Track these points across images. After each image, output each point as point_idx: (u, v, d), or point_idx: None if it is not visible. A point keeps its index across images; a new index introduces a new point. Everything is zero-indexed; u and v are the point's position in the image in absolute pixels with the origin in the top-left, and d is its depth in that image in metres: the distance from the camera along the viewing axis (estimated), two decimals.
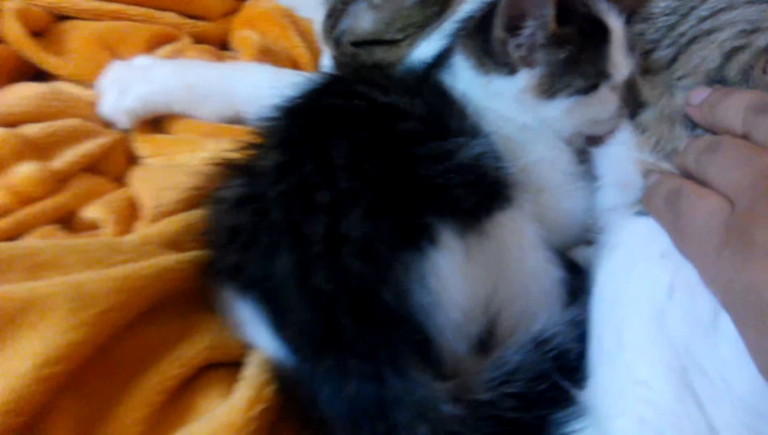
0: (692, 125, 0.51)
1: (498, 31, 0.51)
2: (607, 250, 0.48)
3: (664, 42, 0.58)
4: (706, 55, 0.53)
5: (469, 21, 0.58)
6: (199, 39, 0.83)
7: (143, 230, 0.57)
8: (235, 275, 0.46)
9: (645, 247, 0.46)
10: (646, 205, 0.48)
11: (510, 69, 0.52)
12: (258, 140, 0.51)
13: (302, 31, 0.84)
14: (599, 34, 0.53)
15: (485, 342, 0.46)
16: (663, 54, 0.56)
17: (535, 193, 0.52)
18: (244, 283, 0.45)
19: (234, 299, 0.47)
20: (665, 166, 0.51)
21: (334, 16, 0.73)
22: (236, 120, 0.71)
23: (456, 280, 0.43)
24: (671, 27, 0.59)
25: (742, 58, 0.51)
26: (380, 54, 0.71)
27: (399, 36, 0.69)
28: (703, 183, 0.44)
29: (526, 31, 0.51)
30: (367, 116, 0.48)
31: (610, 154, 0.56)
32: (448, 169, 0.47)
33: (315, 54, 0.81)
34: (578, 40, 0.51)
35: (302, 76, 0.56)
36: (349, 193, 0.43)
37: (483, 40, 0.52)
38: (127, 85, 0.70)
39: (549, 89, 0.52)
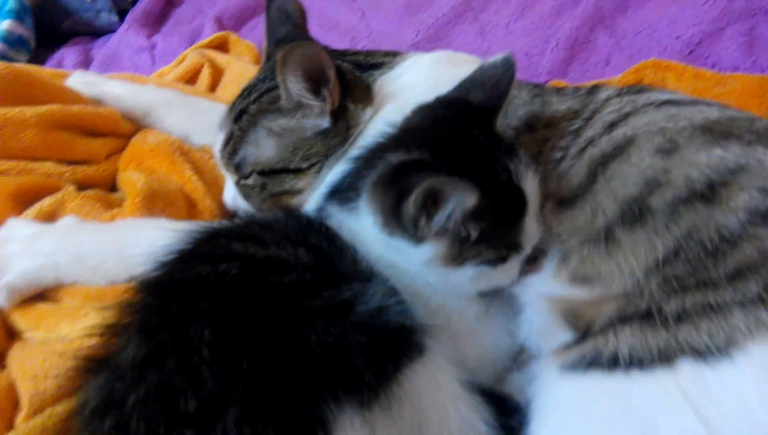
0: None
1: (410, 208, 0.44)
2: (539, 416, 0.44)
3: (571, 154, 0.54)
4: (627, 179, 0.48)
5: (376, 161, 0.50)
6: (84, 185, 0.77)
7: (23, 427, 0.53)
8: None
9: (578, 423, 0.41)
10: None
11: (418, 240, 0.47)
12: (122, 320, 0.44)
13: (195, 163, 0.78)
14: (516, 206, 0.48)
15: None
16: (574, 173, 0.52)
17: (449, 337, 0.46)
18: None
19: None
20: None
21: (232, 143, 0.69)
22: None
23: None
24: (577, 133, 0.55)
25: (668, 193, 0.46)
26: (289, 182, 0.67)
27: (303, 165, 0.66)
28: None
29: (442, 214, 0.45)
30: (242, 280, 0.42)
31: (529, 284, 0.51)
32: (345, 329, 0.40)
33: (211, 185, 0.76)
34: (493, 215, 0.46)
35: (194, 227, 0.49)
36: (218, 395, 0.35)
37: (393, 204, 0.45)
38: (8, 261, 0.63)
39: (457, 259, 0.47)
